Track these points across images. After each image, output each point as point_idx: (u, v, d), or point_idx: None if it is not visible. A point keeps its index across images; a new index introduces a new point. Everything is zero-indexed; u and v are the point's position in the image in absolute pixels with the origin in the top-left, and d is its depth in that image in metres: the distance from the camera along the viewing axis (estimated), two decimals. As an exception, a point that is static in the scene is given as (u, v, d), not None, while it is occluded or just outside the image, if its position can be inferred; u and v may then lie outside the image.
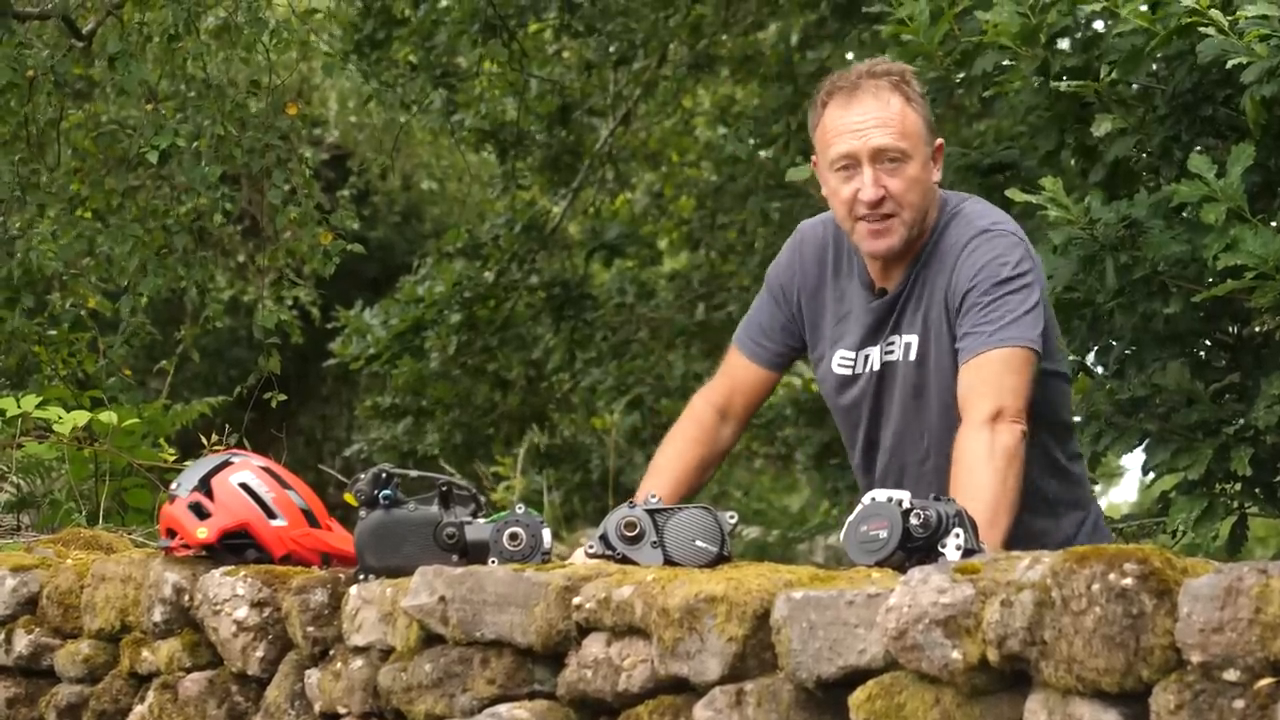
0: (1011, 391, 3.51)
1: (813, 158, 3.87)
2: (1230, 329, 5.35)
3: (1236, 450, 4.93)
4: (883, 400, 3.80)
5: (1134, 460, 5.49)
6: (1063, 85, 5.01)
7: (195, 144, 6.96)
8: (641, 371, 12.31)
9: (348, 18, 11.26)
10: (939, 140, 3.79)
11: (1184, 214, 4.93)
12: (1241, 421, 4.98)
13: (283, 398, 7.31)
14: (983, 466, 3.41)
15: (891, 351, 3.77)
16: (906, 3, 5.29)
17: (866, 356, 3.81)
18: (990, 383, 3.52)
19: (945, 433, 3.63)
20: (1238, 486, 5.16)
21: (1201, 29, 4.64)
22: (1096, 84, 5.02)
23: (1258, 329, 5.22)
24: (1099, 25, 5.25)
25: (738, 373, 4.01)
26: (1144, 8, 4.86)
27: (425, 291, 12.33)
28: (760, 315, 3.99)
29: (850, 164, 3.69)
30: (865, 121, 3.68)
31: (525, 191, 12.84)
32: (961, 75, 5.38)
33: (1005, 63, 5.22)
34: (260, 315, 7.48)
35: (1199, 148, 4.86)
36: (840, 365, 3.85)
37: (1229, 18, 4.61)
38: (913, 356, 3.74)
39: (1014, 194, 4.93)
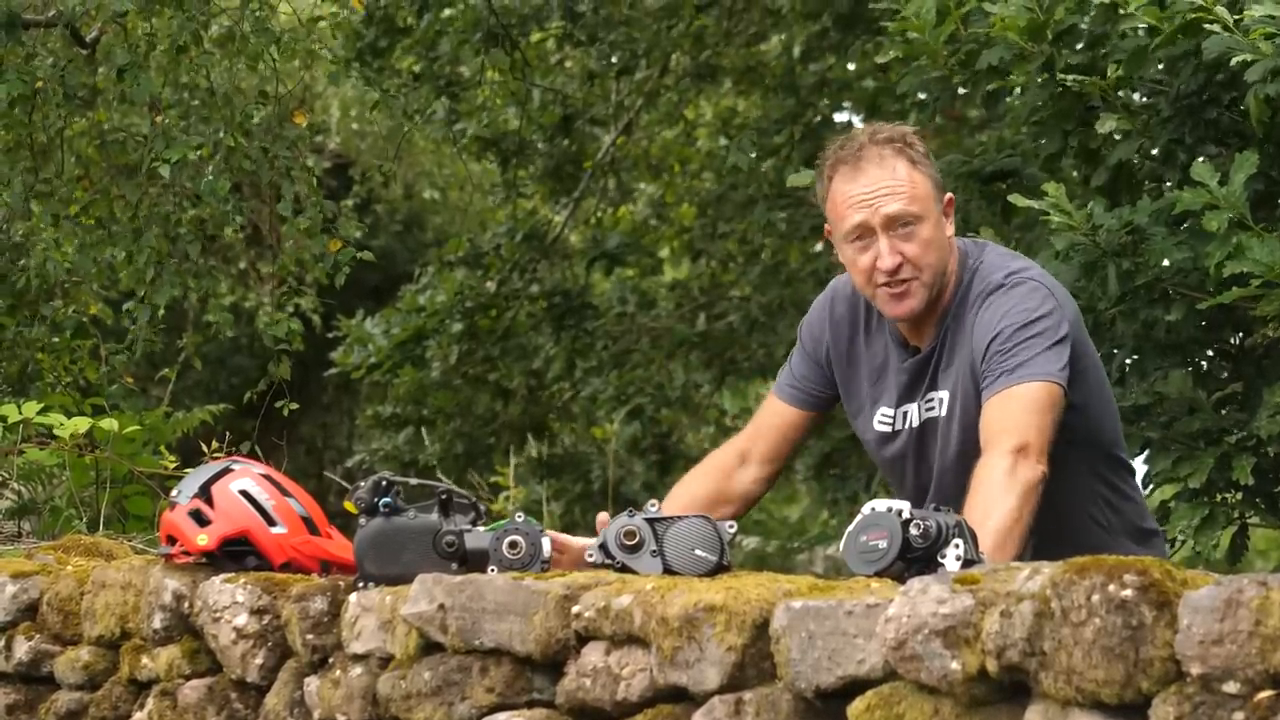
0: (1036, 430, 3.48)
1: (826, 226, 3.87)
2: (1232, 338, 5.35)
3: (1238, 459, 4.93)
4: (927, 455, 3.80)
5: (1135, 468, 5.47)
6: (1069, 79, 5.00)
7: (199, 151, 6.96)
8: (642, 381, 12.31)
9: (350, 26, 11.25)
10: (948, 195, 3.78)
11: (1186, 224, 4.93)
12: (1243, 431, 4.98)
13: (295, 406, 7.32)
14: (1001, 493, 3.38)
15: (931, 408, 3.78)
16: (912, 1, 5.29)
17: (906, 414, 3.82)
18: (1014, 417, 3.50)
19: (963, 481, 3.62)
20: (1239, 496, 5.16)
21: (1207, 25, 4.64)
22: (1102, 81, 5.02)
23: (1259, 339, 5.22)
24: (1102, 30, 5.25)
25: (764, 416, 4.03)
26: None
27: (427, 301, 12.33)
28: (794, 364, 4.00)
29: (864, 234, 3.70)
30: (875, 191, 3.68)
31: (526, 201, 12.83)
32: (966, 75, 5.37)
33: (1011, 56, 5.19)
34: (264, 323, 7.49)
35: (1202, 157, 4.86)
36: (881, 423, 3.86)
37: (1235, 17, 4.61)
38: (945, 411, 3.75)
39: (1016, 200, 4.93)
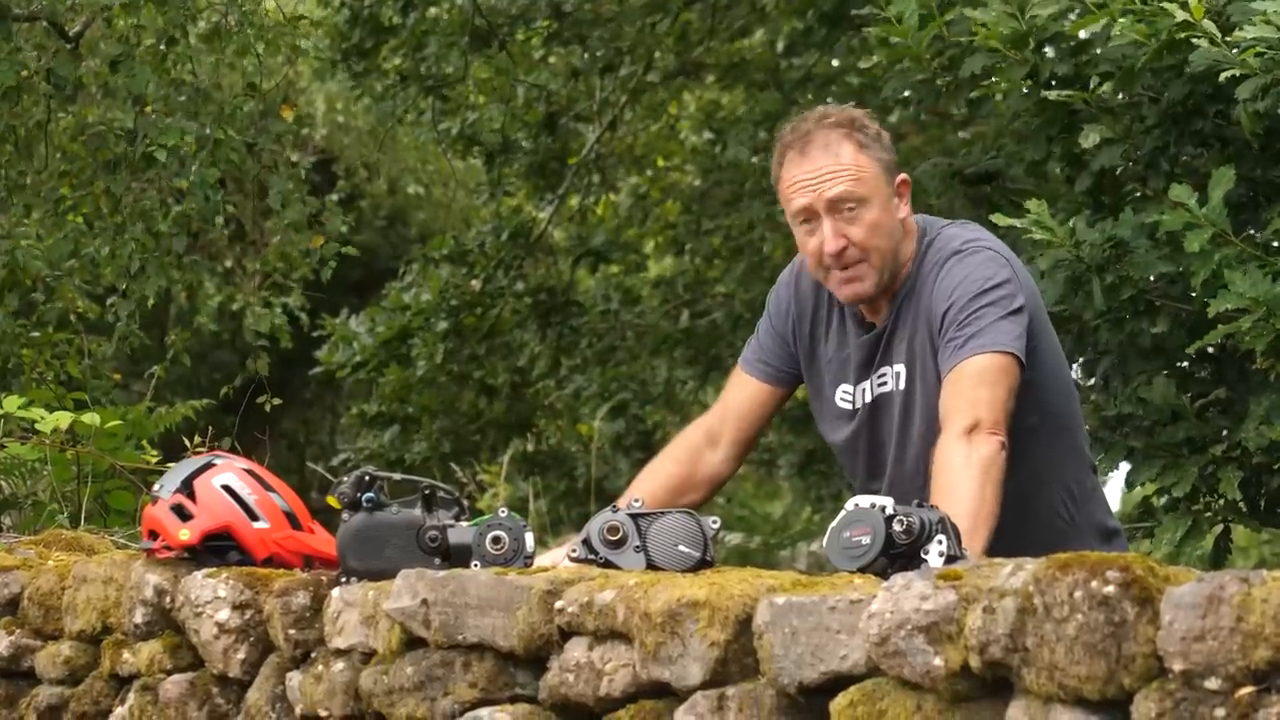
0: (987, 403, 3.48)
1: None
2: (1217, 341, 5.34)
3: (1224, 471, 4.92)
4: (880, 431, 3.79)
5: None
6: (1052, 95, 5.00)
7: (187, 142, 6.95)
8: (625, 378, 12.29)
9: (335, 26, 11.22)
10: (901, 176, 3.76)
11: (1168, 231, 4.92)
12: (1227, 441, 4.97)
13: (277, 402, 7.31)
14: (960, 476, 3.40)
15: (884, 383, 3.77)
16: (895, 3, 5.28)
17: (862, 391, 3.81)
18: (965, 395, 3.50)
19: (931, 454, 3.62)
20: (1221, 501, 5.15)
21: (1194, 40, 4.64)
22: (1086, 94, 5.01)
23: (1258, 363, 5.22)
24: (1083, 34, 5.24)
25: (733, 392, 4.00)
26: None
27: (412, 299, 12.30)
28: (761, 335, 3.99)
29: (810, 218, 3.71)
30: (818, 174, 3.68)
31: (511, 198, 12.82)
32: (949, 79, 5.36)
33: (994, 65, 5.19)
34: (251, 318, 7.48)
35: (1185, 166, 4.86)
36: (843, 399, 3.85)
37: (1225, 37, 4.61)
38: (902, 385, 3.74)
39: (998, 219, 4.92)
